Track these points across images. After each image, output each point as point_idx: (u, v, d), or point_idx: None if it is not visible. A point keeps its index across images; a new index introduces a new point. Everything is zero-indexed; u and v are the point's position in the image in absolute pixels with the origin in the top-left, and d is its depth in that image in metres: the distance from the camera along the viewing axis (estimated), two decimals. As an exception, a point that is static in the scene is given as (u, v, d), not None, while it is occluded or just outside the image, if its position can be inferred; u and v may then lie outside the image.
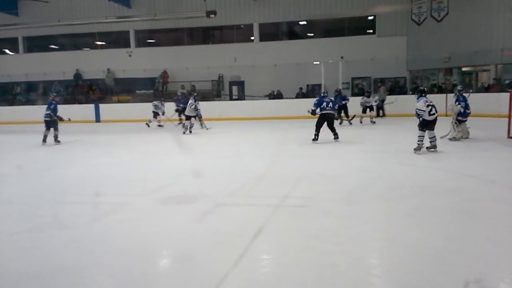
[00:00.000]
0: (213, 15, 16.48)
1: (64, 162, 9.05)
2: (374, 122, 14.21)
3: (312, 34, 20.81)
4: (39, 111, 16.96)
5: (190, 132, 12.68)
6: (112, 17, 19.02)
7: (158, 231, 4.34)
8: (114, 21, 18.84)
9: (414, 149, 8.07)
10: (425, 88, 8.55)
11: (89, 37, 21.78)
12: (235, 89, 20.54)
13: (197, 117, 12.86)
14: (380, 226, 4.23)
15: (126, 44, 21.44)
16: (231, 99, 19.28)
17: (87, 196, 5.90)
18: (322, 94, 10.35)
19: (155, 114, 15.05)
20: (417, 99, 8.15)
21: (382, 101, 16.40)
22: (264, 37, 20.64)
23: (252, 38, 20.72)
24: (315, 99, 10.48)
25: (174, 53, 20.77)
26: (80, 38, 22.09)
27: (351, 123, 13.98)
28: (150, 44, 21.97)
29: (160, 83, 20.79)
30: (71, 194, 6.03)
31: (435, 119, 7.98)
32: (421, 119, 7.97)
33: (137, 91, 20.58)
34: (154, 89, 20.63)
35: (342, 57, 18.19)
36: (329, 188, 5.86)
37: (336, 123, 10.73)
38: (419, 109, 7.94)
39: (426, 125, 7.97)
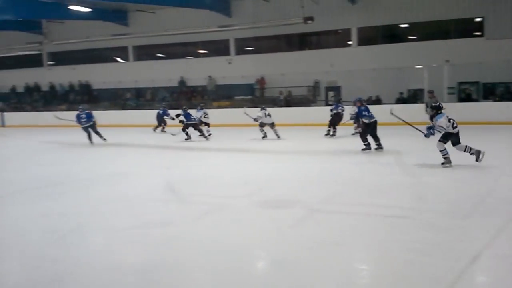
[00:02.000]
0: (310, 21, 16.48)
1: (165, 163, 9.55)
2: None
3: (414, 37, 19.92)
4: (148, 115, 18.36)
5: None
6: (214, 26, 19.84)
7: (255, 233, 4.43)
8: (215, 30, 19.61)
9: (442, 164, 7.43)
10: (440, 104, 7.88)
11: (192, 46, 22.93)
12: (331, 94, 20.31)
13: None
14: (491, 242, 3.91)
15: (226, 52, 22.22)
16: (326, 104, 19.05)
17: (189, 196, 6.18)
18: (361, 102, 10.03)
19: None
20: (435, 116, 7.55)
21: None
22: (362, 41, 20.19)
23: (350, 42, 20.36)
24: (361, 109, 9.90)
25: (271, 59, 21.08)
26: (184, 47, 23.31)
27: None
28: (249, 52, 22.53)
29: (257, 89, 21.25)
30: (174, 194, 6.37)
31: (458, 132, 7.48)
32: (443, 132, 7.42)
33: (235, 97, 21.20)
34: (252, 95, 21.13)
35: (447, 61, 17.16)
36: (430, 198, 5.55)
37: None
38: (440, 126, 7.37)
39: (450, 137, 7.42)
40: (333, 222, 4.73)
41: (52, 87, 25.63)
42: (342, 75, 19.25)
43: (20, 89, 26.53)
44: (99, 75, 24.21)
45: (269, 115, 12.92)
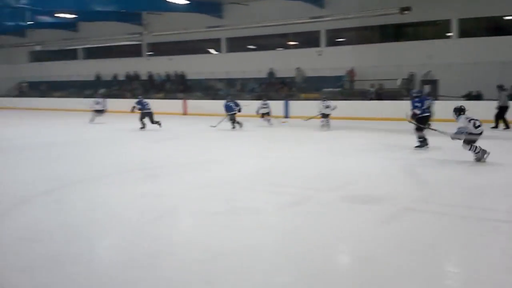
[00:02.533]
0: (407, 12, 15.78)
1: (255, 153, 9.73)
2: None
3: (521, 29, 18.30)
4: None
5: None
6: (305, 17, 19.71)
7: (342, 228, 4.39)
8: (306, 21, 19.50)
9: (476, 159, 7.52)
10: (462, 106, 7.77)
11: (282, 38, 22.99)
12: (427, 88, 19.31)
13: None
14: None
15: (316, 44, 22.01)
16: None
17: (276, 186, 6.26)
18: (417, 93, 9.87)
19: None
20: (456, 118, 7.70)
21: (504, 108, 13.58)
22: (463, 33, 18.93)
23: (449, 34, 19.19)
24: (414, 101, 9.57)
25: (362, 51, 20.51)
26: (274, 38, 23.46)
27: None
28: (339, 43, 22.13)
29: (346, 81, 20.82)
30: (259, 182, 6.49)
31: (482, 132, 7.49)
32: (466, 133, 7.39)
33: (323, 89, 20.97)
34: (340, 87, 20.76)
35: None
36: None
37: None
38: (461, 127, 7.45)
39: (473, 136, 7.46)
40: (425, 222, 4.54)
41: (150, 76, 27.10)
42: (440, 68, 18.22)
43: (121, 77, 28.40)
44: (193, 66, 25.18)
45: (327, 106, 14.09)
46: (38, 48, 30.07)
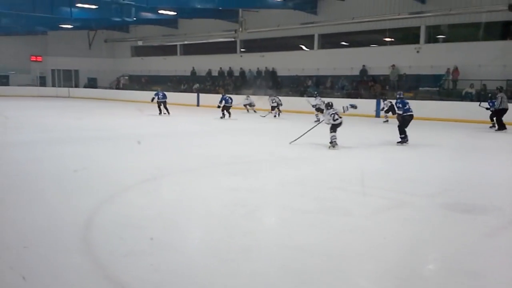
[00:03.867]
0: (517, 8, 14.51)
1: (347, 153, 9.54)
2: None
3: None
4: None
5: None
6: (404, 13, 18.91)
7: (440, 237, 4.14)
8: (406, 17, 18.69)
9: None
10: (330, 102, 9.88)
11: (378, 34, 22.24)
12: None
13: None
14: None
15: (415, 40, 21.00)
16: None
17: (368, 188, 6.06)
18: (398, 95, 10.86)
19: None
20: (325, 111, 9.35)
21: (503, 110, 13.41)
22: None
23: None
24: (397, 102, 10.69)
25: (465, 49, 19.24)
26: (370, 35, 22.78)
27: None
28: (440, 40, 20.94)
29: (447, 80, 19.65)
30: (351, 183, 6.33)
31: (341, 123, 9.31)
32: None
33: (420, 88, 20.01)
34: (439, 86, 19.66)
35: None
36: None
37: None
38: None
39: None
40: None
41: (242, 72, 27.69)
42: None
43: (215, 73, 29.32)
44: (285, 62, 25.28)
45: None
46: (140, 43, 31.96)
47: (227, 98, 16.68)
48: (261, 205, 5.17)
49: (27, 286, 2.94)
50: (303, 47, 25.88)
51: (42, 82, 36.00)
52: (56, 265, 3.26)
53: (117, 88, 34.06)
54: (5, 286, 2.94)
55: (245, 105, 20.89)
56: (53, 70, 36.01)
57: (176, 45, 31.84)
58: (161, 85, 26.69)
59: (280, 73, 25.91)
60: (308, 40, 25.12)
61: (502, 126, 13.39)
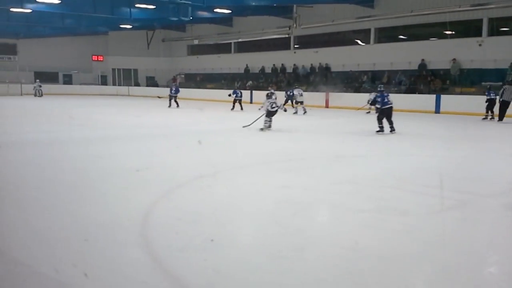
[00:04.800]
0: None
1: (395, 150, 9.29)
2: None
3: None
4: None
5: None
6: (466, 5, 18.09)
7: (504, 240, 3.93)
8: (467, 9, 17.88)
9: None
10: (269, 93, 12.08)
11: (438, 27, 21.39)
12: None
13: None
14: None
15: (477, 33, 20.03)
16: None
17: (425, 187, 5.85)
18: (380, 88, 11.85)
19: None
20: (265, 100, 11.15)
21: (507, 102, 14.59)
22: None
23: None
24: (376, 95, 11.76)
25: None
26: (429, 28, 21.97)
27: None
28: (504, 33, 19.84)
29: (511, 75, 18.61)
30: (408, 182, 6.13)
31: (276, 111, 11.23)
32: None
33: (482, 83, 19.10)
34: (504, 81, 18.65)
35: None
36: None
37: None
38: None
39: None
40: None
41: (295, 69, 27.59)
42: None
43: (268, 70, 29.40)
44: (339, 58, 24.95)
45: (301, 94, 17.91)
46: (195, 42, 32.64)
47: (237, 91, 19.20)
48: (314, 203, 5.13)
49: (88, 279, 3.08)
50: (359, 41, 25.39)
51: (103, 81, 37.67)
52: (115, 258, 3.40)
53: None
54: (67, 277, 3.11)
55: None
56: (113, 69, 37.54)
57: (230, 43, 32.24)
58: (215, 83, 27.16)
59: (334, 68, 25.60)
60: (364, 35, 24.62)
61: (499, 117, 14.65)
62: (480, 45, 19.69)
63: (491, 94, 15.16)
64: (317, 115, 17.35)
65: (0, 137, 10.02)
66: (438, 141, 10.66)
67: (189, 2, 22.36)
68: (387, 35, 23.85)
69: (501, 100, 14.63)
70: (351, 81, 24.17)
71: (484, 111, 15.34)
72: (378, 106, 11.43)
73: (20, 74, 32.82)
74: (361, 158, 8.17)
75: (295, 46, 28.39)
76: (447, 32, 21.15)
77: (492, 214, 4.68)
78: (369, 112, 17.46)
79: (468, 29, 20.70)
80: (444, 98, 18.39)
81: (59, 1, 22.35)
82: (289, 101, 18.43)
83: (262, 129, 11.54)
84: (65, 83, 36.20)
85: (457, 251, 3.66)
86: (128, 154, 8.17)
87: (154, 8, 24.66)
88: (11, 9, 23.85)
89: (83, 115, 16.91)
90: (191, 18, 25.60)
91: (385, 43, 23.78)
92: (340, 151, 8.93)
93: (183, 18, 25.61)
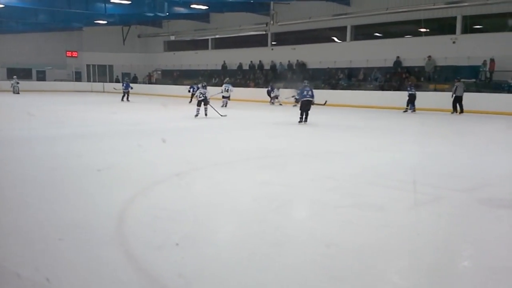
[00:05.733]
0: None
1: (372, 146, 9.40)
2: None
3: None
4: (359, 95, 18.36)
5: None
6: (440, 3, 18.39)
7: (479, 234, 4.01)
8: (442, 7, 18.18)
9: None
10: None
11: (413, 24, 21.68)
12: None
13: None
14: None
15: (451, 31, 20.39)
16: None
17: (400, 182, 5.92)
18: (304, 84, 13.14)
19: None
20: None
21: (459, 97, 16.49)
22: None
23: None
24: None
25: (504, 39, 18.56)
26: (404, 26, 22.26)
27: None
28: (477, 30, 20.26)
29: (484, 71, 19.02)
30: (385, 178, 6.19)
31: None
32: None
33: (456, 80, 19.45)
34: (477, 78, 19.06)
35: None
36: None
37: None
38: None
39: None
40: None
41: (273, 65, 27.60)
42: None
43: (246, 67, 29.34)
44: (316, 55, 25.04)
45: (227, 90, 19.51)
46: (172, 38, 32.32)
47: (194, 87, 20.11)
48: (293, 199, 5.14)
49: (64, 279, 3.01)
50: (335, 39, 25.56)
51: (78, 77, 36.97)
52: (91, 257, 3.33)
53: (150, 82, 34.58)
54: (42, 277, 3.03)
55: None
56: (88, 65, 36.87)
57: (207, 39, 32.06)
58: (192, 79, 26.97)
59: (312, 65, 25.69)
60: (340, 32, 24.79)
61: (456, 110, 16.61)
62: (454, 42, 20.04)
63: (412, 89, 17.50)
64: (293, 112, 17.40)
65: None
66: (413, 137, 10.82)
67: (166, -2, 22.14)
68: (363, 32, 24.08)
69: (454, 95, 16.53)
70: (328, 78, 24.32)
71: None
72: (297, 97, 13.20)
73: (-9, 71, 31.98)
74: (339, 154, 8.22)
75: (273, 43, 28.41)
76: (421, 30, 21.49)
77: (467, 209, 4.77)
78: (280, 104, 20.81)
79: (442, 26, 21.07)
80: (418, 95, 18.65)
81: (32, -4, 21.84)
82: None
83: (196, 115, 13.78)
84: (38, 79, 35.38)
85: (433, 246, 3.71)
86: (103, 151, 8.04)
87: (129, 4, 24.30)
88: (-18, 4, 23.18)
89: (58, 112, 16.56)
90: (167, 14, 25.35)
91: (361, 40, 24.01)
92: (318, 147, 8.99)
93: (159, 14, 25.35)
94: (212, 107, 14.24)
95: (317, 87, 22.62)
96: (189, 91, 21.56)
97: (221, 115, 14.32)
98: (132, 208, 4.53)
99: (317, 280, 3.06)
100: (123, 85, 23.38)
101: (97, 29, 34.22)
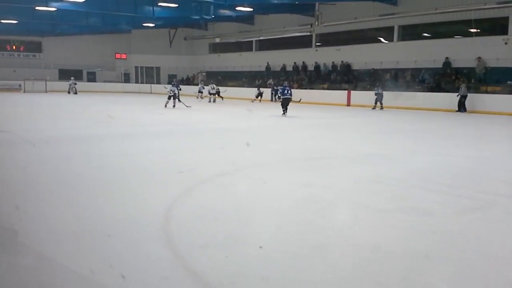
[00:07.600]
0: None
1: (418, 148, 9.15)
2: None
3: None
4: (405, 97, 17.94)
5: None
6: (491, 2, 17.70)
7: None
8: (493, 7, 17.47)
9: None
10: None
11: (463, 25, 20.96)
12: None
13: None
14: None
15: (503, 31, 19.55)
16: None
17: (448, 187, 5.75)
18: (284, 85, 16.30)
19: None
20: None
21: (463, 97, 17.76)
22: None
23: None
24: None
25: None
26: (453, 26, 21.55)
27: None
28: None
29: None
30: (433, 182, 6.02)
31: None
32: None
33: (508, 81, 18.66)
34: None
35: None
36: None
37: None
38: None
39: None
40: None
41: (317, 67, 27.42)
42: None
43: (289, 68, 29.29)
44: (361, 56, 24.69)
45: (213, 88, 23.96)
46: (217, 40, 32.71)
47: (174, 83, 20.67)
48: (335, 202, 5.09)
49: (111, 274, 3.11)
50: (382, 39, 25.08)
51: (126, 79, 38.10)
52: (137, 254, 3.42)
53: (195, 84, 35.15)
54: (90, 271, 3.15)
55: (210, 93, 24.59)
56: (136, 67, 37.93)
57: (251, 41, 32.25)
58: (236, 81, 27.19)
59: (357, 66, 25.35)
60: (387, 32, 24.32)
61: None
62: (506, 43, 19.23)
63: (379, 90, 19.95)
64: (338, 113, 17.22)
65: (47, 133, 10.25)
66: (463, 141, 10.46)
67: (211, 1, 22.45)
68: (411, 32, 23.50)
69: (459, 95, 18.10)
70: (374, 79, 23.88)
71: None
72: (279, 95, 16.07)
73: (45, 72, 33.44)
74: (384, 157, 8.06)
75: (317, 44, 28.22)
76: (472, 30, 20.72)
77: (519, 215, 4.57)
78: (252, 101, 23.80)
79: (493, 27, 20.25)
80: (470, 96, 18.04)
81: (84, 0, 22.68)
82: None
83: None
84: (89, 80, 36.77)
85: (484, 254, 3.58)
86: (149, 152, 8.24)
87: (176, 7, 24.81)
88: (37, 8, 24.30)
89: (109, 112, 17.14)
90: (213, 16, 25.67)
91: (408, 40, 23.43)
92: (362, 150, 8.84)
93: (205, 17, 25.72)
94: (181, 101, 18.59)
95: (363, 89, 22.30)
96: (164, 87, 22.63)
97: (187, 106, 18.30)
98: (177, 208, 4.62)
99: (361, 285, 3.02)
100: (173, 85, 23.60)
101: (145, 32, 35.15)
